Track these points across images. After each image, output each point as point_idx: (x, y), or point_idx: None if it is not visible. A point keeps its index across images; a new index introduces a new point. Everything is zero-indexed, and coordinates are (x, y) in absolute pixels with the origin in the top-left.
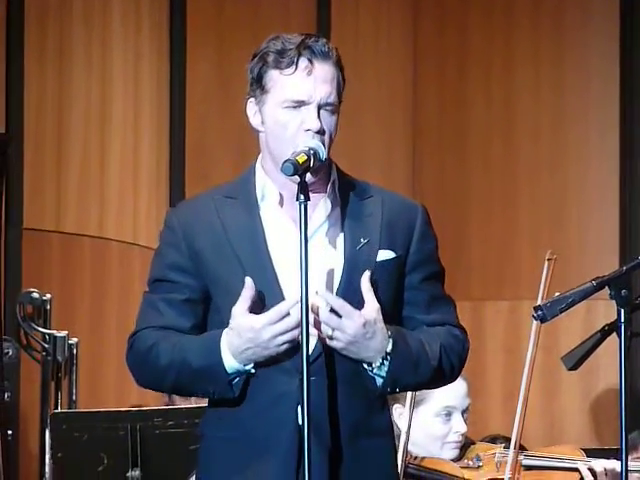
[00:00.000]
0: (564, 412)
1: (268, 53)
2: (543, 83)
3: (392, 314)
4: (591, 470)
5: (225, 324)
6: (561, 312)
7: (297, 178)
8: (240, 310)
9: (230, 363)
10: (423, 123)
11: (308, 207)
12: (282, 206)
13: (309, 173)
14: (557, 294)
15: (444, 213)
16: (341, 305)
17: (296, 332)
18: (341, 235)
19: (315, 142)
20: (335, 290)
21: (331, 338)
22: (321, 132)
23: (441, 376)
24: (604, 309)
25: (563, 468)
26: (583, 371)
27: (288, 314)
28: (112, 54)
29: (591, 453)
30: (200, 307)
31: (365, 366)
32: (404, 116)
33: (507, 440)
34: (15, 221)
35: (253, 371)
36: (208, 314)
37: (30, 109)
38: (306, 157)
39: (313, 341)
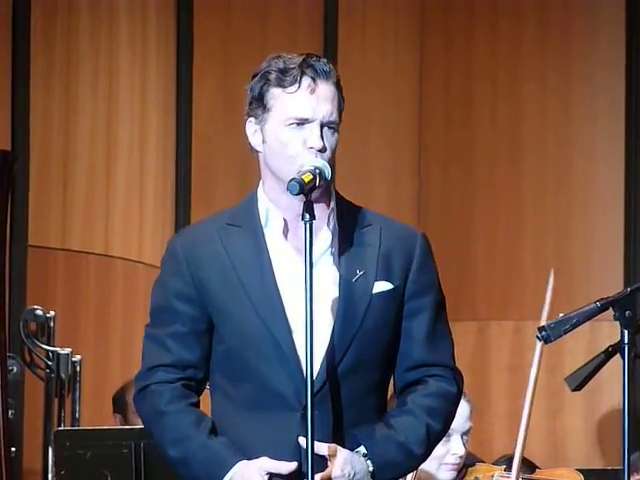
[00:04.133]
0: (567, 432)
1: (270, 72)
2: (549, 99)
3: (387, 346)
4: None
5: (229, 355)
6: (565, 333)
7: (302, 198)
8: (266, 465)
9: None
10: (429, 139)
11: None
12: (286, 234)
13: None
14: (561, 315)
15: (449, 232)
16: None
17: None
18: (337, 266)
19: (321, 161)
20: (333, 324)
21: None
22: (323, 150)
23: (432, 446)
24: (608, 330)
25: None
26: (587, 392)
27: None
28: (119, 73)
29: (593, 474)
30: (205, 337)
31: None
32: (410, 132)
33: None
34: (20, 238)
35: None
36: (213, 343)
37: (36, 127)
38: (312, 176)
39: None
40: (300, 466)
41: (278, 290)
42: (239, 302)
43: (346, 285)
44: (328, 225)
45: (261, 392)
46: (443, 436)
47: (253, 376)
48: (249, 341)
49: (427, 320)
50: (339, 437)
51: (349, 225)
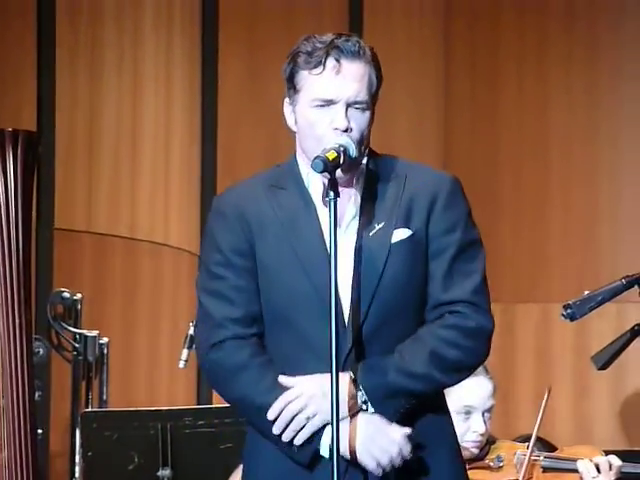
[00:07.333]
0: (593, 413)
1: (299, 54)
2: (576, 54)
3: (416, 292)
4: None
5: (271, 312)
6: (590, 310)
7: (325, 176)
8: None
9: None
10: (455, 105)
11: (341, 200)
12: (324, 203)
13: (340, 171)
14: (587, 292)
15: (475, 216)
16: None
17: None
18: (358, 224)
19: (345, 139)
20: (351, 281)
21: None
22: (348, 130)
23: (447, 369)
24: (636, 312)
25: (577, 470)
26: (613, 371)
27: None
28: (144, 53)
29: (619, 455)
30: (259, 291)
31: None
32: (436, 95)
33: (539, 440)
34: (46, 221)
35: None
36: None
37: (61, 108)
38: (336, 154)
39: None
40: None
41: (327, 251)
42: (287, 261)
43: (364, 241)
44: (357, 188)
45: (301, 349)
46: (471, 368)
47: (295, 333)
48: (294, 299)
49: (447, 259)
50: None
51: (377, 181)
